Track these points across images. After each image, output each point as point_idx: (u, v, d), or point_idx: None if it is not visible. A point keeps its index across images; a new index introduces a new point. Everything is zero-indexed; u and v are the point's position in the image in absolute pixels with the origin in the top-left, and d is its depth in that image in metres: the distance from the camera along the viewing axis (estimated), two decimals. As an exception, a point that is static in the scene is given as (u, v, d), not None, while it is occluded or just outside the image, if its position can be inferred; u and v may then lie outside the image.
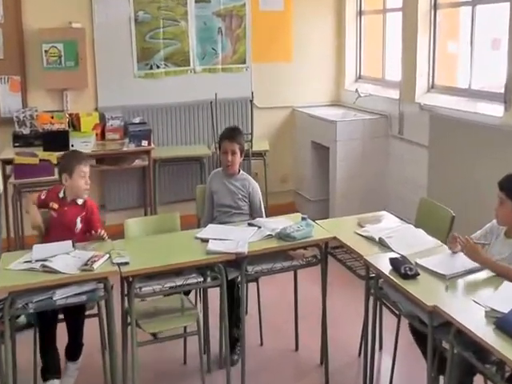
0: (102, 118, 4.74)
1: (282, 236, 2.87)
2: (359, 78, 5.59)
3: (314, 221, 3.09)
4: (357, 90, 5.15)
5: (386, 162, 4.91)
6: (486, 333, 2.01)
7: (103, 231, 2.86)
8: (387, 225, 3.04)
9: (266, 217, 3.29)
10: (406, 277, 2.41)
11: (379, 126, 4.88)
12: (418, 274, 2.42)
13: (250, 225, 3.07)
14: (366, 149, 4.84)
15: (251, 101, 4.99)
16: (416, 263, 2.52)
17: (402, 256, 2.56)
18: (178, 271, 2.70)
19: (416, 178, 4.54)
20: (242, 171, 3.35)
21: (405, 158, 4.71)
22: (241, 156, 3.28)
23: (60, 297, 2.47)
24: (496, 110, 3.84)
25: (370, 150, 4.86)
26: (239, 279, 2.86)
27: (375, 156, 4.88)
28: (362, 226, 3.02)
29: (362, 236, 2.90)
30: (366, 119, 4.90)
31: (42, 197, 2.94)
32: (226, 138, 3.29)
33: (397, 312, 2.68)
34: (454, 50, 4.72)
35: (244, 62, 5.25)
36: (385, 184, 4.92)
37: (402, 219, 3.23)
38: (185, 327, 2.89)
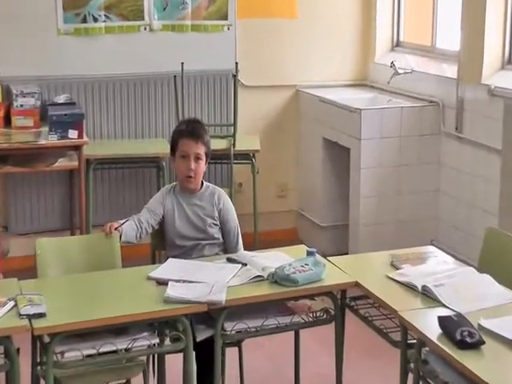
0: (7, 93, 4.70)
1: (277, 279, 2.88)
2: (397, 45, 5.63)
3: (325, 257, 3.10)
4: (393, 64, 5.18)
5: (437, 172, 4.94)
6: None
7: None
8: (436, 267, 3.05)
9: (254, 249, 3.32)
10: (463, 345, 2.39)
11: (426, 119, 4.92)
12: (483, 343, 2.41)
13: (230, 260, 3.09)
14: (405, 152, 4.87)
15: (235, 76, 5.00)
16: (479, 326, 2.52)
17: (458, 314, 2.55)
18: (120, 328, 2.70)
19: (482, 197, 4.57)
20: (205, 182, 3.41)
21: (465, 166, 4.74)
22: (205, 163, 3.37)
23: None
24: None
25: (411, 153, 4.89)
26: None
27: (419, 163, 4.91)
28: (398, 268, 3.03)
29: (396, 282, 2.91)
30: (407, 108, 4.93)
31: None
32: (186, 135, 3.34)
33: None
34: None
35: (225, 18, 5.28)
36: (434, 206, 4.94)
37: (458, 259, 3.22)
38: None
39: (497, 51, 4.62)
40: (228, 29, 5.31)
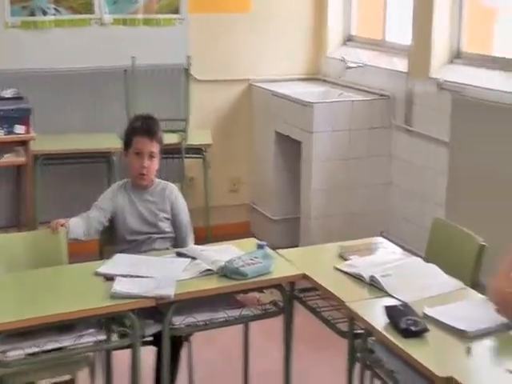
0: None
1: (226, 272, 2.89)
2: (348, 39, 5.68)
3: (275, 250, 3.11)
4: (344, 59, 5.21)
5: (387, 165, 4.98)
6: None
7: None
8: (383, 258, 3.08)
9: (206, 243, 3.31)
10: (408, 334, 2.42)
11: (377, 112, 4.97)
12: (427, 330, 2.44)
13: (180, 254, 3.09)
14: (356, 145, 4.91)
15: (187, 70, 4.99)
16: (424, 314, 2.55)
17: (404, 304, 2.58)
18: (68, 325, 2.68)
19: (431, 189, 4.63)
20: (156, 178, 3.41)
21: (414, 159, 4.80)
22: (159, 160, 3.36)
23: None
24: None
25: (362, 147, 4.93)
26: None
27: (370, 156, 4.95)
28: (346, 259, 3.05)
29: (345, 273, 2.93)
30: (358, 101, 4.98)
31: None
32: (141, 132, 3.33)
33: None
34: (492, 2, 4.85)
35: (177, 12, 5.26)
36: (384, 198, 4.99)
37: (407, 250, 3.25)
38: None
39: (445, 45, 4.68)
40: (180, 23, 5.29)
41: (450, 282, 2.83)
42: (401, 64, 4.94)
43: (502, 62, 4.44)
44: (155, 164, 3.33)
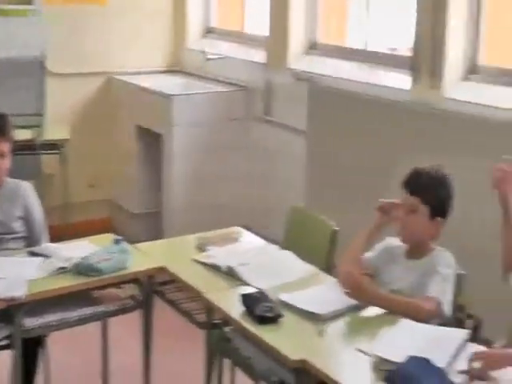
0: None
1: (81, 269, 2.84)
2: (209, 31, 5.69)
3: (134, 244, 3.08)
4: (204, 50, 5.21)
5: (248, 156, 5.02)
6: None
7: None
8: (241, 247, 3.12)
9: (65, 241, 3.23)
10: (263, 320, 2.46)
11: (237, 104, 5.00)
12: (281, 316, 2.48)
13: (33, 254, 3.01)
14: (217, 137, 4.92)
15: (42, 63, 4.85)
16: (280, 300, 2.59)
17: (260, 291, 2.62)
18: None
19: (290, 178, 4.70)
20: (7, 178, 3.30)
21: (274, 149, 4.86)
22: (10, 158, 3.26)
23: None
24: (402, 81, 4.12)
25: (223, 138, 4.94)
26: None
27: (231, 148, 4.97)
28: (205, 250, 3.06)
29: (203, 264, 2.94)
30: (218, 93, 5.00)
31: None
32: None
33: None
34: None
35: (29, 2, 5.08)
36: (245, 189, 5.03)
37: (268, 239, 3.29)
38: None
39: (301, 37, 4.77)
40: (34, 14, 5.09)
41: (304, 268, 2.90)
42: (259, 55, 4.99)
43: (355, 53, 4.59)
44: (6, 163, 3.22)
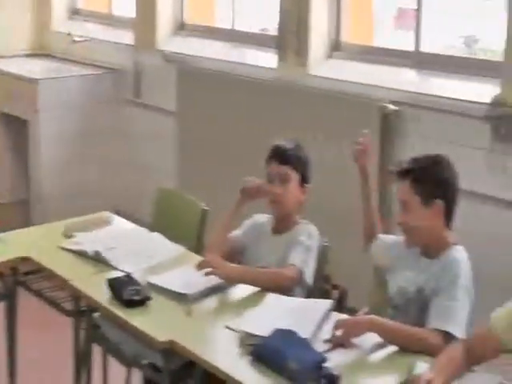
0: None
1: None
2: (75, 13, 5.57)
3: (-1, 234, 2.97)
4: (70, 33, 5.08)
5: (118, 139, 4.93)
6: (241, 368, 2.12)
7: None
8: (109, 232, 3.07)
9: None
10: (130, 304, 2.43)
11: (106, 87, 4.92)
12: (149, 299, 2.46)
13: None
14: (86, 121, 4.83)
15: None
16: (148, 283, 2.57)
17: (127, 275, 2.59)
18: None
19: (162, 160, 4.67)
20: None
21: (145, 131, 4.81)
22: None
23: None
24: (268, 60, 4.16)
25: (92, 122, 4.85)
26: None
27: (101, 131, 4.88)
28: (71, 237, 3.00)
29: (70, 251, 2.87)
30: (86, 76, 4.90)
31: None
32: None
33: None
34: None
35: None
36: (117, 173, 4.95)
37: (141, 222, 3.25)
38: None
39: (168, 17, 4.73)
40: None
41: (173, 249, 2.88)
42: (127, 37, 4.91)
43: (223, 33, 4.60)
44: None
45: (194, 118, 4.35)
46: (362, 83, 3.73)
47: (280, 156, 2.73)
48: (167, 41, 4.72)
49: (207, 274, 2.52)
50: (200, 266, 2.56)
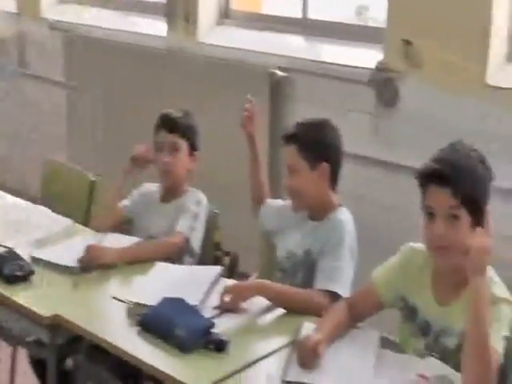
0: None
1: None
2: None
3: None
4: None
5: (5, 111, 4.75)
6: (129, 339, 2.09)
7: None
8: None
9: None
10: (13, 280, 2.35)
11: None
12: (33, 273, 2.39)
13: None
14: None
15: None
16: (33, 257, 2.49)
17: (9, 250, 2.50)
18: None
19: (50, 132, 4.56)
20: None
21: (32, 102, 4.66)
22: None
23: None
24: (158, 28, 4.08)
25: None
26: None
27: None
28: None
29: None
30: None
31: None
32: None
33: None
34: None
35: None
36: (3, 146, 4.78)
37: (26, 196, 3.15)
38: None
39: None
40: None
41: (59, 222, 2.81)
42: (10, 5, 4.71)
43: (110, 1, 4.49)
44: None
45: (82, 88, 4.24)
46: (252, 50, 3.73)
47: (169, 125, 2.69)
48: (52, 9, 4.59)
49: (84, 262, 2.44)
50: (81, 262, 2.45)
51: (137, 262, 2.48)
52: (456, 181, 1.83)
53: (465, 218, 1.84)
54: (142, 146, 2.76)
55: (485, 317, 1.74)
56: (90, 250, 2.44)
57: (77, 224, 2.80)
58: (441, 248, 1.88)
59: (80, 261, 2.43)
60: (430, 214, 1.88)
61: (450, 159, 1.87)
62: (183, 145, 2.69)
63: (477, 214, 1.83)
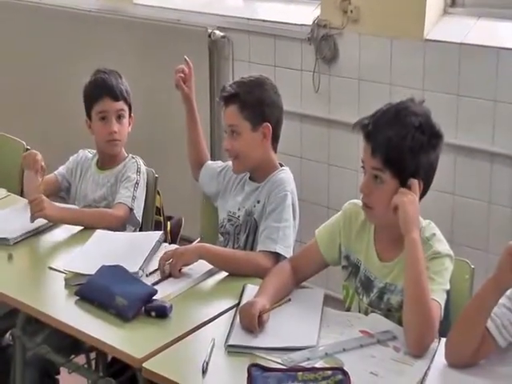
0: None
1: None
2: None
3: None
4: None
5: None
6: (67, 310, 2.02)
7: None
8: None
9: None
10: None
11: None
12: (-34, 246, 2.29)
13: None
14: None
15: None
16: None
17: None
18: None
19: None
20: None
21: None
22: None
23: None
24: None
25: None
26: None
27: None
28: None
29: None
30: None
31: None
32: None
33: None
34: None
35: None
36: None
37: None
38: None
39: None
40: None
41: (-7, 193, 2.70)
42: None
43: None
44: None
45: (5, 54, 4.09)
46: (188, 10, 3.61)
47: (113, 92, 2.55)
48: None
49: (32, 216, 2.34)
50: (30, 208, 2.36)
51: (76, 226, 2.40)
52: (379, 144, 1.79)
53: (390, 182, 1.80)
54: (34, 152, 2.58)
55: (421, 272, 1.72)
56: (33, 201, 2.33)
57: (12, 194, 2.69)
58: (366, 206, 1.87)
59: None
60: (363, 169, 1.86)
61: (381, 123, 1.82)
62: (127, 111, 2.58)
63: (406, 183, 1.80)
